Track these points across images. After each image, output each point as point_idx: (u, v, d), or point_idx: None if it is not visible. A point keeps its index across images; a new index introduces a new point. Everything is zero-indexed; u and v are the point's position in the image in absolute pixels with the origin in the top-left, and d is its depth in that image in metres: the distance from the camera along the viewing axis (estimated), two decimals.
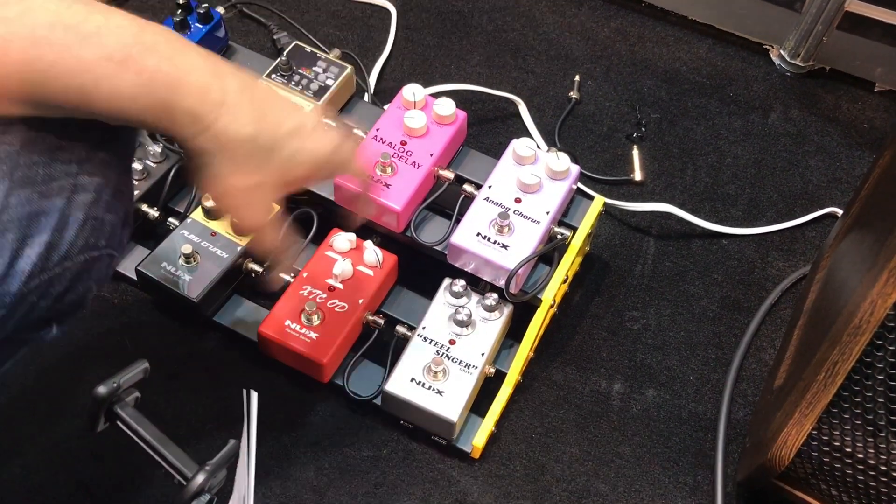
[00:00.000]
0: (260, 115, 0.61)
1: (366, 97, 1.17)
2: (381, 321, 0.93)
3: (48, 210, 0.58)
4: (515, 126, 1.18)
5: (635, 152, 1.18)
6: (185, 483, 0.60)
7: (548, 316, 0.96)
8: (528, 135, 1.17)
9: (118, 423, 0.64)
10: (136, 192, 0.95)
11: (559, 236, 0.94)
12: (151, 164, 0.99)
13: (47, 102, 0.54)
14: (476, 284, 0.95)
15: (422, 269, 0.97)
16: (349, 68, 1.01)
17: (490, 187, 0.94)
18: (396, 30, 1.27)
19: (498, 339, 0.93)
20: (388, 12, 1.30)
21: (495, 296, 0.92)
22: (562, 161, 0.94)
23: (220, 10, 1.07)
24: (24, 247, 0.57)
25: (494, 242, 0.90)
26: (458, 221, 0.93)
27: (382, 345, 0.93)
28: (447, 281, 0.94)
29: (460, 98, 1.12)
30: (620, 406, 0.97)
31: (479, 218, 0.92)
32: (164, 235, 0.95)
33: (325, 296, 0.92)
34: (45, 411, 0.91)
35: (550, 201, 0.94)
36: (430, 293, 0.95)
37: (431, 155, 0.95)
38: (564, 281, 0.95)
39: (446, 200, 0.96)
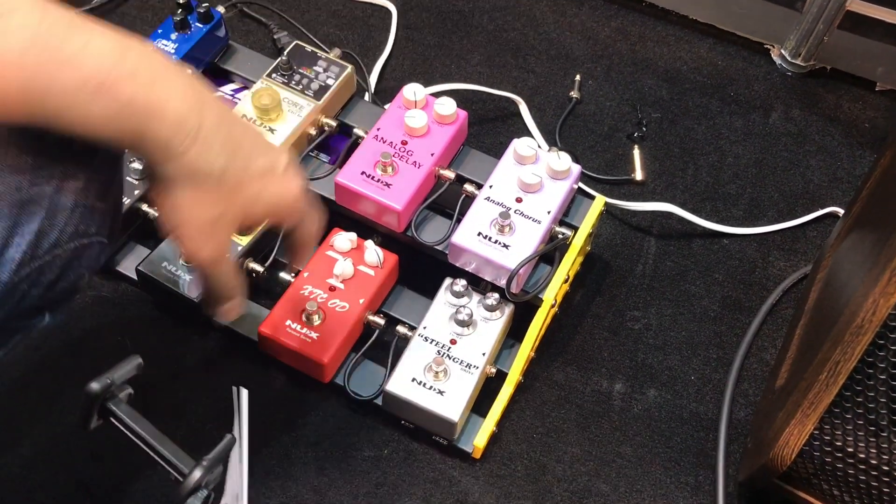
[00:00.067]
0: (232, 150, 0.60)
1: (366, 97, 1.17)
2: (382, 321, 0.93)
3: (38, 198, 0.57)
4: (516, 126, 1.18)
5: (636, 152, 1.17)
6: (181, 479, 0.59)
7: (549, 316, 0.95)
8: (529, 134, 1.17)
9: (112, 419, 0.63)
10: (135, 192, 0.95)
11: (560, 236, 0.94)
12: None
13: (14, 121, 0.53)
14: (477, 284, 0.95)
15: (423, 269, 0.97)
16: (350, 68, 1.01)
17: (491, 187, 0.94)
18: (397, 29, 1.27)
19: (499, 339, 0.92)
20: (388, 12, 1.29)
21: (496, 295, 0.92)
22: (563, 161, 0.94)
23: (221, 9, 1.07)
24: (13, 235, 0.57)
25: (495, 242, 0.90)
26: (458, 221, 0.93)
27: (383, 345, 0.93)
28: (448, 281, 0.94)
29: (461, 97, 1.12)
30: (622, 406, 0.97)
31: (480, 217, 0.92)
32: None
33: (325, 295, 0.92)
34: (44, 411, 0.91)
35: (551, 201, 0.94)
36: (430, 293, 0.95)
37: (432, 154, 0.95)
38: (565, 281, 0.95)
39: (447, 200, 0.96)
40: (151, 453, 0.62)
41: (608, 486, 0.91)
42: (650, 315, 1.04)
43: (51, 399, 0.92)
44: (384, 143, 0.96)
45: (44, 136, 0.56)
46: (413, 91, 0.98)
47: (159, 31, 1.00)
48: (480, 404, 0.92)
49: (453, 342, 0.90)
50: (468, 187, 0.96)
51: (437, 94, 1.01)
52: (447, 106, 0.97)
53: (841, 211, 1.12)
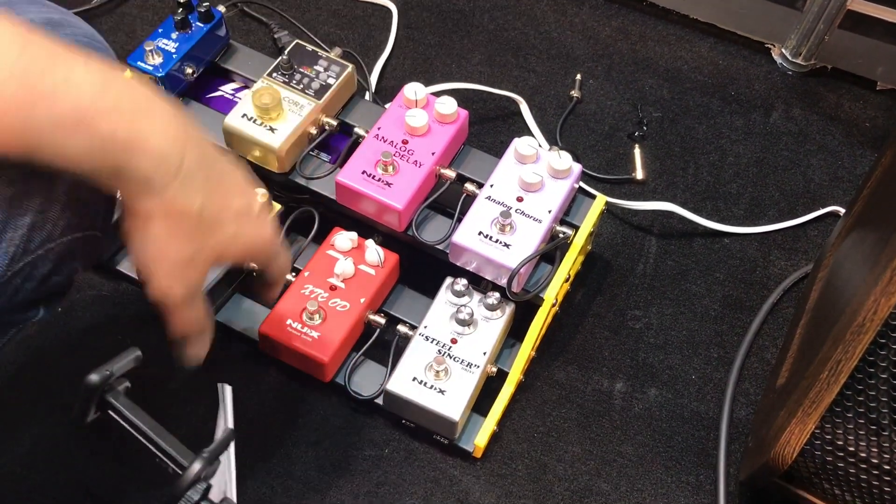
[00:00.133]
0: (211, 189, 0.60)
1: (367, 96, 1.17)
2: (383, 320, 0.93)
3: (30, 192, 0.57)
4: (517, 125, 1.18)
5: (637, 151, 1.17)
6: (180, 472, 0.59)
7: (550, 315, 0.95)
8: (530, 133, 1.17)
9: (110, 412, 0.62)
10: None
11: (561, 235, 0.94)
12: None
13: None
14: (478, 283, 0.95)
15: (423, 268, 0.97)
16: (350, 67, 1.01)
17: (492, 186, 0.94)
18: (397, 28, 1.27)
19: (500, 339, 0.92)
20: (388, 11, 1.29)
21: (497, 295, 0.92)
22: (563, 160, 0.94)
23: (221, 8, 1.07)
24: (5, 229, 0.57)
25: (496, 241, 0.90)
26: (459, 220, 0.93)
27: (384, 344, 0.93)
28: (449, 280, 0.94)
29: (462, 97, 1.12)
30: (622, 405, 0.97)
31: (481, 217, 0.92)
32: None
33: (326, 295, 0.92)
34: (44, 411, 0.91)
35: (552, 200, 0.94)
36: (431, 292, 0.95)
37: (433, 154, 0.95)
38: (566, 280, 0.95)
39: (448, 199, 0.96)
40: (150, 446, 0.61)
41: (609, 486, 0.91)
42: (651, 314, 1.04)
43: (51, 398, 0.92)
44: (385, 142, 0.96)
45: None
46: (414, 90, 0.98)
47: (160, 30, 1.00)
48: (481, 403, 0.92)
49: (454, 341, 0.90)
50: (469, 186, 0.96)
51: (437, 94, 1.01)
52: (448, 105, 0.97)
53: (842, 210, 1.12)
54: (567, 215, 0.98)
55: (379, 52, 1.24)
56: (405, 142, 0.96)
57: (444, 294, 0.94)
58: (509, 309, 0.93)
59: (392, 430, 0.93)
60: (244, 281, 0.96)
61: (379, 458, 0.91)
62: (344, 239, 0.96)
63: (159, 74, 0.97)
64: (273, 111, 0.94)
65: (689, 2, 1.31)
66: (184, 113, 0.59)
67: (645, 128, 1.20)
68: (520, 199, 0.93)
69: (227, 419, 0.71)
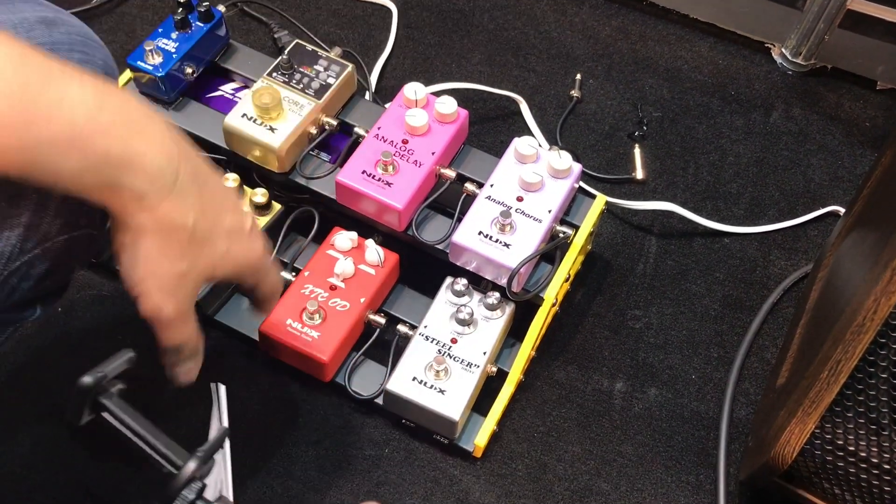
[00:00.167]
0: (204, 206, 0.60)
1: (367, 96, 1.17)
2: (383, 320, 0.93)
3: (26, 191, 0.57)
4: (517, 125, 1.18)
5: (637, 151, 1.17)
6: (175, 472, 0.59)
7: (550, 315, 0.95)
8: (530, 133, 1.17)
9: (104, 413, 0.62)
10: None
11: (561, 235, 0.94)
12: None
13: None
14: (478, 283, 0.95)
15: (423, 268, 0.97)
16: (350, 67, 1.01)
17: (492, 186, 0.94)
18: (397, 28, 1.27)
19: (500, 338, 0.92)
20: (388, 11, 1.29)
21: (497, 294, 0.92)
22: (563, 159, 0.94)
23: (221, 8, 1.07)
24: (1, 229, 0.57)
25: (496, 241, 0.90)
26: (459, 220, 0.93)
27: (384, 344, 0.93)
28: (449, 280, 0.94)
29: (461, 97, 1.12)
30: (622, 405, 0.97)
31: (481, 216, 0.92)
32: None
33: (326, 294, 0.92)
34: (44, 411, 0.91)
35: (552, 200, 0.94)
36: (431, 292, 0.95)
37: (433, 153, 0.95)
38: (566, 280, 0.95)
39: (448, 199, 0.96)
40: (145, 446, 0.61)
41: (609, 485, 0.91)
42: (651, 314, 1.04)
43: (51, 398, 0.92)
44: (385, 142, 0.96)
45: None
46: (414, 90, 0.98)
47: (160, 30, 0.99)
48: (481, 403, 0.92)
49: (454, 341, 0.90)
50: (469, 186, 0.96)
51: (437, 93, 1.01)
52: (448, 105, 0.97)
53: (842, 210, 1.12)
54: (567, 215, 0.98)
55: (379, 51, 1.24)
56: (405, 141, 0.96)
57: (444, 294, 0.94)
58: (509, 309, 0.93)
59: (392, 429, 0.93)
60: None
61: (379, 457, 0.91)
62: (344, 239, 0.96)
63: (159, 74, 0.97)
64: (273, 111, 0.94)
65: (689, 1, 1.31)
66: (177, 129, 0.59)
67: (645, 127, 1.20)
68: (520, 199, 0.93)
69: (221, 418, 0.71)
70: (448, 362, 0.88)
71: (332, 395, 0.94)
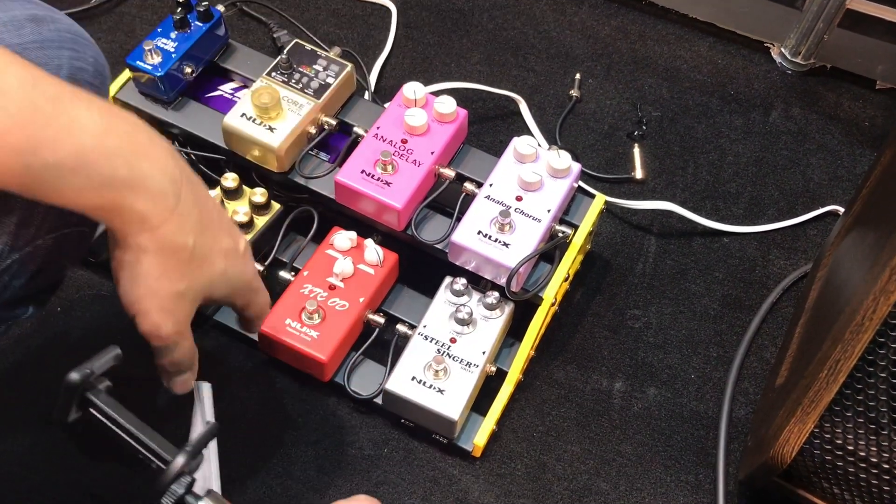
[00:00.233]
0: (203, 227, 0.61)
1: (366, 95, 1.17)
2: (382, 320, 0.93)
3: None
4: (516, 124, 1.18)
5: (636, 150, 1.17)
6: (164, 467, 0.59)
7: (549, 314, 0.95)
8: (529, 133, 1.17)
9: (91, 410, 0.62)
10: None
11: (560, 234, 0.94)
12: None
13: None
14: (477, 283, 0.95)
15: (423, 268, 0.97)
16: (349, 66, 1.01)
17: (491, 185, 0.94)
18: (397, 28, 1.27)
19: (499, 338, 0.92)
20: (388, 10, 1.29)
21: (496, 294, 0.92)
22: (563, 159, 0.94)
23: (221, 8, 1.07)
24: None
25: (495, 241, 0.90)
26: (458, 220, 0.93)
27: (383, 343, 0.93)
28: (448, 279, 0.94)
29: (461, 96, 1.12)
30: (622, 404, 0.97)
31: (480, 216, 0.92)
32: None
33: (325, 294, 0.92)
34: (43, 411, 0.91)
35: (551, 199, 0.94)
36: (430, 292, 0.95)
37: (432, 153, 0.95)
38: (565, 279, 0.95)
39: (447, 199, 0.96)
40: (133, 442, 0.61)
41: (608, 485, 0.91)
42: (650, 313, 1.04)
43: (50, 398, 0.92)
44: (384, 141, 0.96)
45: None
46: (413, 90, 0.98)
47: (159, 29, 0.99)
48: (480, 403, 0.92)
49: (453, 341, 0.90)
50: (468, 186, 0.95)
51: (436, 93, 1.01)
52: (447, 104, 0.97)
53: (841, 209, 1.12)
54: (566, 214, 0.98)
55: (378, 51, 1.24)
56: (404, 141, 0.96)
57: (443, 293, 0.94)
58: (508, 308, 0.93)
59: (391, 429, 0.93)
60: None
61: (378, 457, 0.91)
62: (343, 238, 0.96)
63: (158, 74, 0.97)
64: (272, 110, 0.94)
65: (688, 1, 1.31)
66: (177, 152, 0.60)
67: (644, 127, 1.20)
68: (519, 199, 0.93)
69: (205, 415, 0.71)
70: (447, 362, 0.88)
71: (332, 394, 0.94)
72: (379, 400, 0.91)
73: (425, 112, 0.96)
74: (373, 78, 1.20)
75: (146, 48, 0.97)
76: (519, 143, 0.96)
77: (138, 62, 0.97)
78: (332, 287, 0.93)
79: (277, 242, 0.97)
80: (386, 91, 1.20)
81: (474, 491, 0.90)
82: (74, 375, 0.60)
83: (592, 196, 1.00)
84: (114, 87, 1.01)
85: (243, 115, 0.95)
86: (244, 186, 0.98)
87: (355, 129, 0.99)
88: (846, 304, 0.69)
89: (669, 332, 1.02)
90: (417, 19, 1.29)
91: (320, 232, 0.98)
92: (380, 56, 1.23)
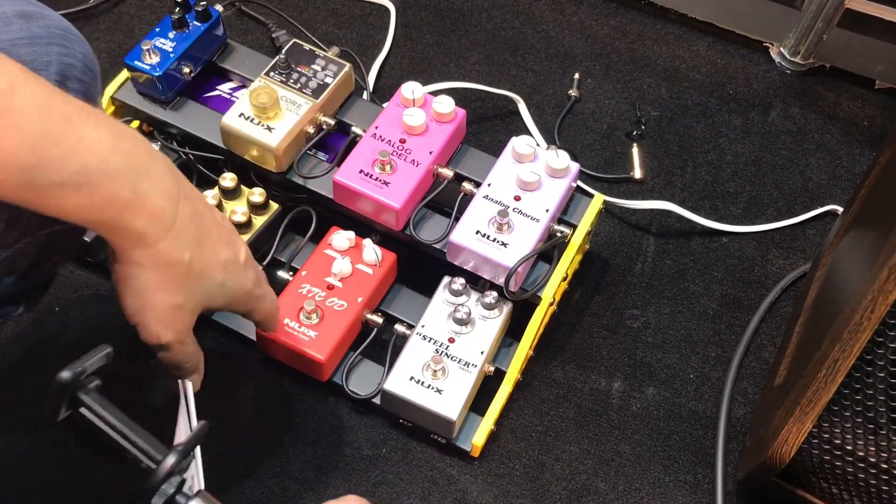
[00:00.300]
0: (200, 241, 0.62)
1: (364, 95, 1.17)
2: (381, 319, 0.93)
3: None
4: (515, 124, 1.18)
5: (635, 150, 1.17)
6: (154, 466, 0.59)
7: (547, 314, 0.95)
8: (528, 132, 1.17)
9: (82, 409, 0.62)
10: None
11: (559, 234, 0.94)
12: None
13: None
14: (475, 282, 0.95)
15: (421, 268, 0.97)
16: (348, 66, 1.01)
17: (489, 185, 0.94)
18: (395, 28, 1.27)
19: (497, 338, 0.92)
20: (386, 10, 1.29)
21: (495, 294, 0.92)
22: (561, 159, 0.94)
23: (219, 7, 1.06)
24: None
25: (494, 240, 0.90)
26: (457, 219, 0.93)
27: (381, 343, 0.93)
28: (446, 279, 0.94)
29: (459, 96, 1.12)
30: (620, 404, 0.97)
31: (479, 216, 0.92)
32: None
33: (323, 294, 0.92)
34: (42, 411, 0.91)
35: (550, 199, 0.94)
36: (429, 291, 0.95)
37: (430, 153, 0.95)
38: (564, 279, 0.95)
39: (445, 198, 0.96)
40: (123, 442, 0.61)
41: (607, 485, 0.91)
42: (649, 313, 1.03)
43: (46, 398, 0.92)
44: (382, 141, 0.96)
45: None
46: (411, 89, 0.98)
47: (157, 29, 0.99)
48: (479, 403, 0.92)
49: (452, 341, 0.90)
50: (467, 185, 0.95)
51: (435, 93, 1.01)
52: (445, 104, 0.97)
53: (840, 209, 1.12)
54: (565, 214, 0.98)
55: (377, 51, 1.24)
56: (403, 141, 0.96)
57: (441, 293, 0.94)
58: (507, 308, 0.93)
59: (389, 429, 0.93)
60: None
61: (376, 457, 0.91)
62: (341, 238, 0.95)
63: (156, 74, 0.97)
64: (270, 110, 0.94)
65: (687, 1, 1.31)
66: (175, 168, 0.61)
67: (643, 127, 1.20)
68: (517, 198, 0.93)
69: (189, 414, 0.71)
70: (445, 362, 0.88)
71: (330, 394, 0.94)
72: (377, 400, 0.91)
73: (424, 112, 0.96)
74: (371, 78, 1.20)
75: (144, 48, 0.97)
76: (517, 143, 0.96)
77: (136, 62, 0.97)
78: (330, 287, 0.93)
79: (276, 242, 0.97)
80: (384, 91, 1.20)
81: (473, 491, 0.90)
82: (65, 374, 0.60)
83: (591, 196, 1.00)
84: (112, 87, 1.01)
85: (241, 114, 0.95)
86: (242, 186, 0.97)
87: (354, 128, 0.99)
88: (845, 304, 0.69)
89: (668, 332, 1.02)
90: (416, 19, 1.29)
91: (318, 232, 0.98)
92: (378, 56, 1.23)
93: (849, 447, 0.73)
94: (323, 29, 1.27)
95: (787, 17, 1.25)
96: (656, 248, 1.09)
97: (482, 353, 0.90)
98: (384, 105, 1.01)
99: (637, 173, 1.15)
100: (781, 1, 1.25)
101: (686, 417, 0.96)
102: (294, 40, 1.03)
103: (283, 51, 1.00)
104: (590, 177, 1.14)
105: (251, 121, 0.94)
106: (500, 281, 0.90)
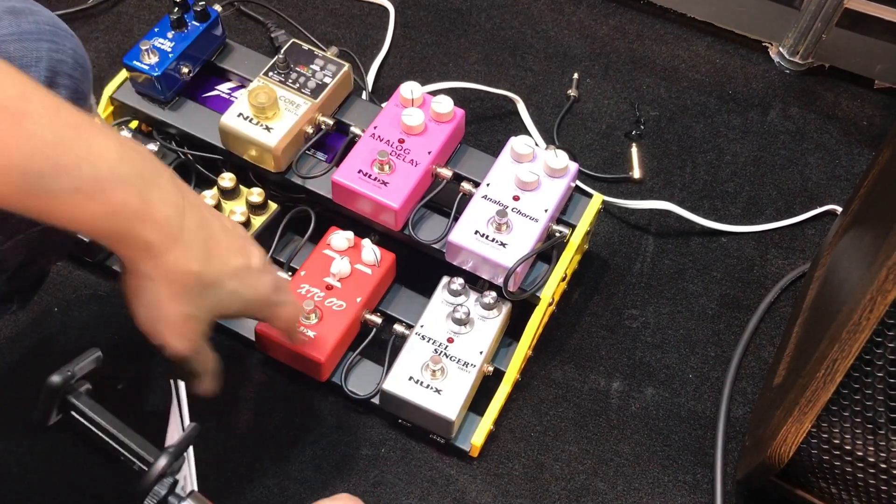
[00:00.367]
0: (209, 251, 0.62)
1: (363, 95, 1.17)
2: (380, 320, 0.93)
3: None
4: (514, 124, 1.18)
5: (634, 150, 1.17)
6: (146, 468, 0.59)
7: (546, 314, 0.95)
8: (527, 132, 1.17)
9: (73, 413, 0.62)
10: None
11: (558, 234, 0.94)
12: None
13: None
14: (474, 282, 0.95)
15: (420, 268, 0.97)
16: (347, 66, 1.01)
17: (488, 185, 0.94)
18: (394, 27, 1.27)
19: (496, 338, 0.92)
20: (386, 10, 1.29)
21: (494, 294, 0.92)
22: (560, 159, 0.94)
23: (218, 7, 1.06)
24: None
25: (493, 240, 0.90)
26: (456, 219, 0.93)
27: (380, 343, 0.93)
28: (445, 279, 0.94)
29: (458, 96, 1.12)
30: (619, 404, 0.97)
31: (478, 216, 0.92)
32: None
33: (322, 294, 0.92)
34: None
35: (549, 199, 0.93)
36: (428, 291, 0.95)
37: (429, 153, 0.95)
38: (563, 279, 0.95)
39: (444, 198, 0.96)
40: (115, 444, 0.61)
41: (606, 485, 0.91)
42: (648, 313, 1.03)
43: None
44: (381, 141, 0.95)
45: None
46: (410, 89, 0.97)
47: (156, 29, 0.99)
48: (478, 403, 0.92)
49: (451, 341, 0.90)
50: (465, 185, 0.95)
51: (434, 93, 1.01)
52: (444, 104, 0.97)
53: (839, 209, 1.12)
54: (564, 214, 0.98)
55: (376, 51, 1.24)
56: (401, 141, 0.96)
57: (440, 293, 0.94)
58: (506, 308, 0.93)
59: (388, 429, 0.93)
60: None
61: (375, 457, 0.91)
62: (340, 238, 0.95)
63: (155, 74, 0.97)
64: (269, 110, 0.94)
65: (686, 0, 1.31)
66: (178, 178, 0.61)
67: (642, 126, 1.20)
68: (516, 198, 0.93)
69: (182, 414, 0.71)
70: (444, 362, 0.88)
71: (329, 394, 0.94)
72: (376, 400, 0.91)
73: (422, 112, 0.96)
74: (370, 78, 1.20)
75: (143, 48, 0.97)
76: (516, 143, 0.96)
77: (135, 62, 0.97)
78: (329, 287, 0.93)
79: (274, 242, 0.97)
80: (383, 91, 1.20)
81: (472, 491, 0.90)
82: (55, 378, 0.60)
83: (590, 196, 1.00)
84: (111, 87, 1.01)
85: (240, 114, 0.95)
86: (241, 186, 0.97)
87: (352, 128, 0.99)
88: (844, 304, 0.69)
89: (667, 332, 1.02)
90: (415, 19, 1.29)
91: (317, 232, 0.98)
92: (377, 56, 1.23)
93: (847, 447, 0.73)
94: (322, 29, 1.27)
95: (787, 16, 1.25)
96: (655, 248, 1.09)
97: (481, 353, 0.90)
98: (383, 105, 1.01)
99: (636, 173, 1.15)
100: (780, 1, 1.25)
101: (685, 417, 0.96)
102: (293, 40, 1.03)
103: (282, 51, 1.00)
104: (589, 177, 1.14)
105: (250, 121, 0.94)
106: (499, 281, 0.90)
